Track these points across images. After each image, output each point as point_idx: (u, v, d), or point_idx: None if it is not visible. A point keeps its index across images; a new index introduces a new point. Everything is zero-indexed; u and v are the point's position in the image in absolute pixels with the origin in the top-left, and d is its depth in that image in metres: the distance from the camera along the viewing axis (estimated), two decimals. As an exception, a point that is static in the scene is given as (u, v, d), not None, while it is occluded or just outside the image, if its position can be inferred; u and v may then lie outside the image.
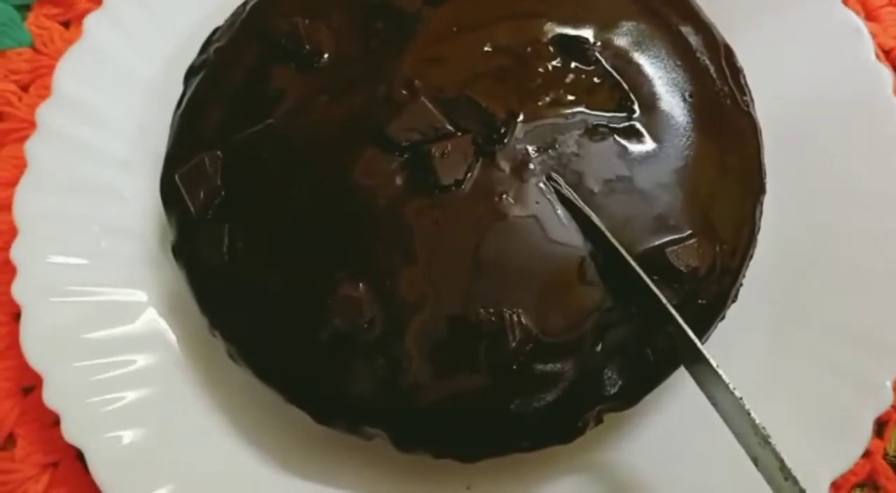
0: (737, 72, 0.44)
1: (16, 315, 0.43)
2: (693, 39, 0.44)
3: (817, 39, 0.47)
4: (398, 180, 0.40)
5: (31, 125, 0.47)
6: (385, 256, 0.39)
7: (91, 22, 0.48)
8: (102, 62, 0.48)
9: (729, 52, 0.45)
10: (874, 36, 0.48)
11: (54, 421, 0.42)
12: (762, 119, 0.44)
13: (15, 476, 0.44)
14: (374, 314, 0.39)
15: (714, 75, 0.44)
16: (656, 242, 0.40)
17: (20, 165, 0.46)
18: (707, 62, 0.44)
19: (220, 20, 0.47)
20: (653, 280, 0.39)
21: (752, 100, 0.44)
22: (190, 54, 0.46)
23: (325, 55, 0.43)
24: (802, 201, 0.45)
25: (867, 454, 0.44)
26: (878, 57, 0.47)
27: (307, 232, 0.40)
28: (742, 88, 0.44)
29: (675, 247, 0.39)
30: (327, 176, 0.41)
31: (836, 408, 0.41)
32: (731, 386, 0.36)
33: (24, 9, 0.54)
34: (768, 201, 0.42)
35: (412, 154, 0.40)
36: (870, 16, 0.52)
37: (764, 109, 0.44)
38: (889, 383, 0.41)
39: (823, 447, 0.41)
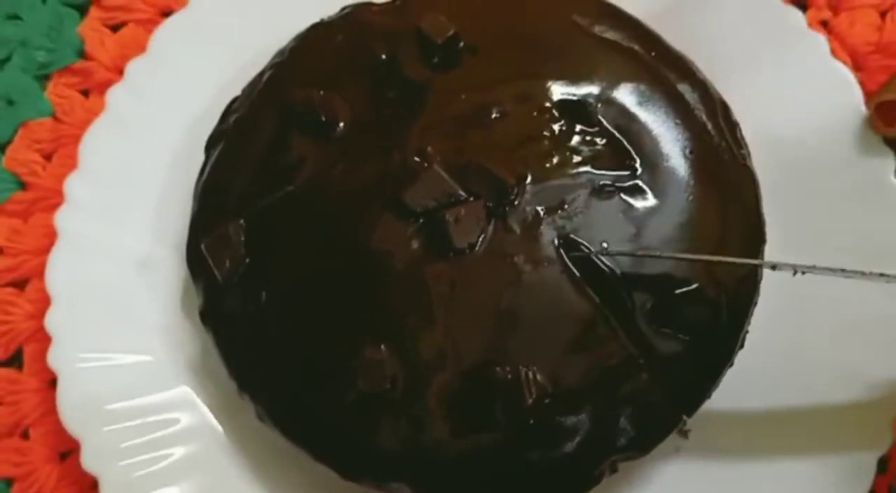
0: (733, 127, 0.46)
1: (50, 382, 0.45)
2: (690, 97, 0.46)
3: (808, 93, 0.49)
4: (415, 245, 0.42)
5: (57, 194, 0.48)
6: (404, 318, 0.41)
7: (114, 93, 0.50)
8: (125, 133, 0.50)
9: (725, 109, 0.46)
10: (861, 84, 0.49)
11: (91, 485, 0.43)
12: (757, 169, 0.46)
13: (53, 540, 0.46)
14: (395, 375, 0.40)
15: (712, 131, 0.45)
16: (664, 295, 0.41)
17: (49, 234, 0.48)
18: (705, 119, 0.46)
19: (237, 89, 0.48)
20: (662, 332, 0.41)
21: (748, 153, 0.46)
22: (209, 122, 0.48)
23: (341, 125, 0.45)
24: (800, 249, 0.47)
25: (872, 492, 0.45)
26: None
27: (329, 297, 0.42)
28: (739, 143, 0.46)
29: (685, 298, 0.41)
30: (347, 242, 0.42)
31: (839, 451, 0.43)
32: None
33: (43, 79, 0.56)
34: (768, 250, 0.44)
35: (427, 220, 0.42)
36: (857, 64, 0.53)
37: (757, 159, 0.46)
38: (889, 424, 0.43)
39: (830, 489, 0.42)
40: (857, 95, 0.48)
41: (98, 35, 0.56)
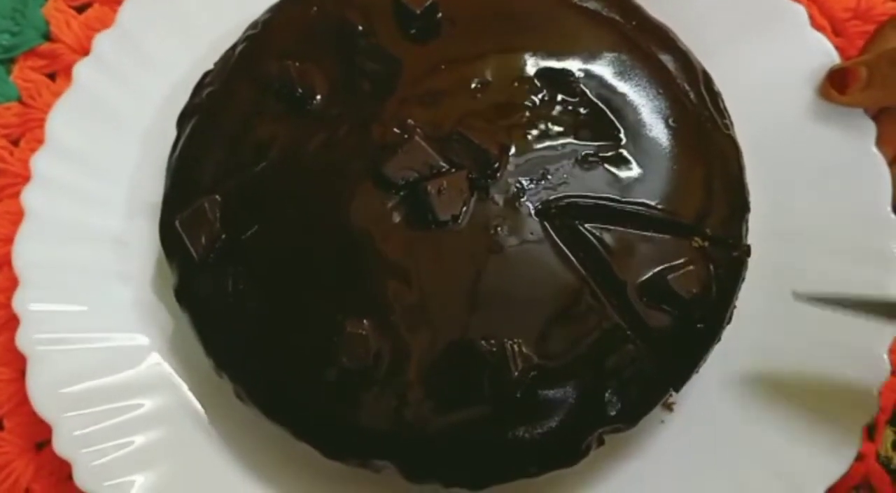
0: (715, 96, 0.46)
1: (23, 372, 0.43)
2: (672, 67, 0.46)
3: (789, 65, 0.48)
4: (396, 217, 0.41)
5: (26, 180, 0.47)
6: (387, 292, 0.40)
7: (81, 69, 0.48)
8: (94, 108, 0.48)
9: (707, 78, 0.46)
10: (841, 50, 0.49)
11: (69, 475, 0.42)
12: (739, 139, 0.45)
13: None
14: (379, 350, 0.40)
15: (694, 101, 0.45)
16: (656, 269, 0.41)
17: (17, 221, 0.46)
18: (687, 88, 0.45)
19: (209, 63, 0.47)
20: (649, 305, 0.40)
21: (731, 122, 0.45)
22: (181, 97, 0.47)
23: (318, 97, 0.44)
24: (783, 218, 0.47)
25: (861, 458, 0.45)
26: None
27: (310, 272, 0.41)
28: (721, 112, 0.45)
29: (677, 273, 0.40)
30: (326, 216, 0.41)
31: (824, 421, 0.43)
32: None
33: (8, 62, 0.54)
34: (752, 220, 0.44)
35: (409, 192, 0.41)
36: (836, 30, 0.53)
37: (739, 129, 0.46)
38: (876, 392, 0.43)
39: (816, 457, 0.42)
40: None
41: (63, 16, 0.55)
